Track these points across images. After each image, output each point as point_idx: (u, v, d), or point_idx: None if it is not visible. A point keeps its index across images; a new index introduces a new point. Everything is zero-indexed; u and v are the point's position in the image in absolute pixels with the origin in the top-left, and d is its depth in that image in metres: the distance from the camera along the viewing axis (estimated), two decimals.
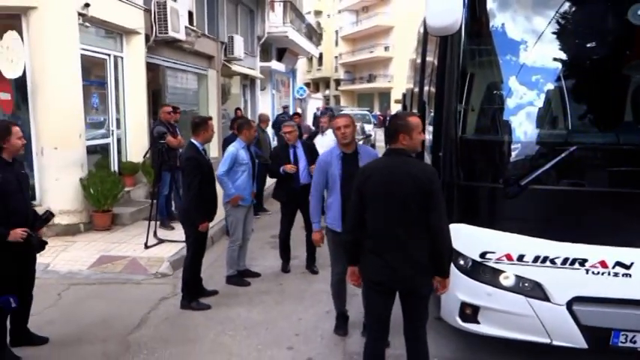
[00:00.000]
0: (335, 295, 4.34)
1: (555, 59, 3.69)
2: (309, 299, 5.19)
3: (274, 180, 6.38)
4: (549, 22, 3.60)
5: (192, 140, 4.99)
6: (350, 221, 3.18)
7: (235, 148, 5.45)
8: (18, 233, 3.60)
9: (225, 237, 7.28)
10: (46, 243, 4.00)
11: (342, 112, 9.06)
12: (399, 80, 38.38)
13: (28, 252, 3.85)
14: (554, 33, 3.64)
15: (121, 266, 5.95)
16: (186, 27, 10.53)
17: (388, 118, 3.65)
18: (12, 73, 6.18)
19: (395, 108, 30.00)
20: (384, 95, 46.16)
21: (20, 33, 6.77)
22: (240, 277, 5.64)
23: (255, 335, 4.36)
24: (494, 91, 3.78)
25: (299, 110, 19.17)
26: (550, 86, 3.67)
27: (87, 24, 7.37)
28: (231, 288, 5.47)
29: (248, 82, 17.85)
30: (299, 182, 5.90)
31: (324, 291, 5.28)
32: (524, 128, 3.68)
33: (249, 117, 14.87)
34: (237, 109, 10.84)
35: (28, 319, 4.18)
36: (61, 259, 6.04)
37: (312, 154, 5.97)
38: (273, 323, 4.61)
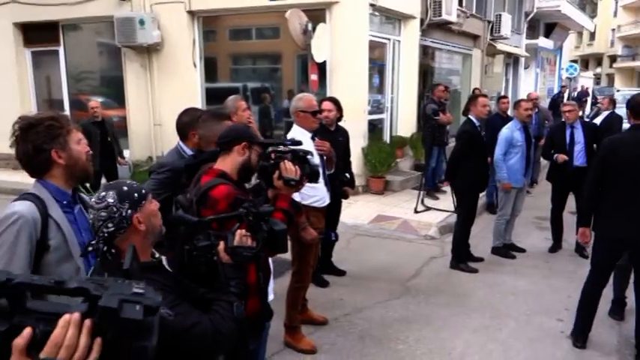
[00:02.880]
0: (616, 277, 4.28)
1: None
2: (579, 280, 5.08)
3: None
4: None
5: (469, 115, 5.44)
6: (592, 188, 3.70)
7: (510, 129, 5.65)
8: None
9: (485, 212, 7.64)
10: (346, 197, 5.02)
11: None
12: None
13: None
14: None
15: (395, 225, 6.83)
16: (457, 9, 10.88)
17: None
18: (320, 58, 7.55)
19: None
20: None
21: (324, 23, 8.14)
22: (506, 249, 5.89)
23: (524, 302, 4.63)
24: None
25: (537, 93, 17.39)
26: None
27: (375, 13, 8.39)
28: (496, 258, 5.79)
29: (511, 60, 17.29)
30: (572, 165, 5.76)
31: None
32: None
33: (510, 97, 14.47)
34: (476, 88, 10.69)
35: (332, 254, 5.30)
36: (347, 213, 7.17)
37: (593, 135, 5.76)
38: (541, 295, 4.79)
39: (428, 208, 7.39)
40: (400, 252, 6.03)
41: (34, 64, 10.70)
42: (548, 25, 20.16)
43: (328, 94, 8.35)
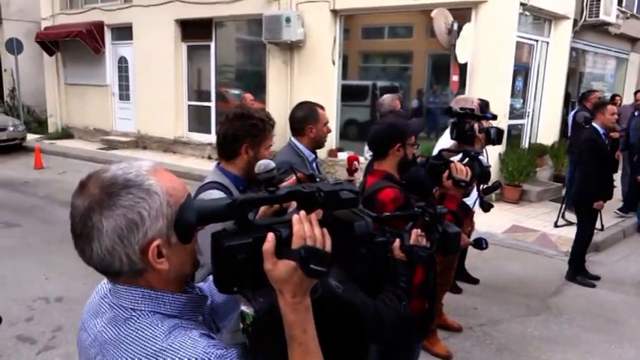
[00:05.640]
0: None
1: None
2: None
3: None
4: None
5: (593, 123, 5.17)
6: None
7: None
8: None
9: (636, 233, 6.97)
10: (492, 206, 4.81)
11: None
12: None
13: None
14: None
15: (532, 238, 6.47)
16: (616, 8, 9.93)
17: None
18: (463, 59, 7.36)
19: None
20: None
21: (468, 22, 7.90)
22: None
23: None
24: None
25: None
26: None
27: (526, 13, 7.96)
28: None
29: None
30: None
31: None
32: None
33: None
34: (616, 95, 9.33)
35: (465, 260, 5.17)
36: (479, 220, 6.90)
37: None
38: None
39: (570, 223, 6.86)
40: (537, 266, 5.71)
41: (188, 58, 11.76)
42: None
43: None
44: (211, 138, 11.22)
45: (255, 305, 1.02)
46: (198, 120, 11.83)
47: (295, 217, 0.97)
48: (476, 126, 2.70)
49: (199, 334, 0.94)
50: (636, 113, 7.44)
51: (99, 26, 12.72)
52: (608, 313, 4.56)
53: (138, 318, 0.95)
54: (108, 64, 13.07)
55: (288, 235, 0.97)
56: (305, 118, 2.99)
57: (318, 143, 3.09)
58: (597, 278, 5.28)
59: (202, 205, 0.98)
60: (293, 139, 3.04)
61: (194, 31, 11.38)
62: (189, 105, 11.86)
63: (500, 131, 3.09)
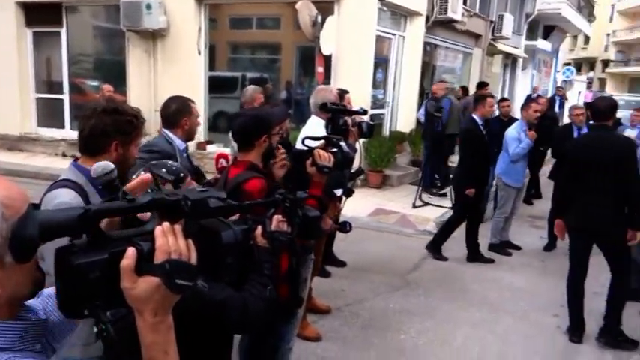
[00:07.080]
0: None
1: None
2: None
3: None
4: None
5: (472, 114, 5.59)
6: (567, 183, 4.03)
7: (517, 130, 5.80)
8: None
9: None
10: (353, 192, 5.07)
11: None
12: None
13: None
14: None
15: (393, 219, 6.95)
16: (462, 7, 10.96)
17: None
18: (327, 51, 7.62)
19: None
20: None
21: (332, 15, 8.19)
22: (502, 246, 6.04)
23: (520, 298, 4.78)
24: None
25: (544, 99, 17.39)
26: None
27: (384, 8, 8.46)
28: (492, 255, 5.91)
29: (509, 61, 17.45)
30: None
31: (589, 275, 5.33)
32: None
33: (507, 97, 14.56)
34: (485, 84, 10.57)
35: (333, 244, 5.40)
36: (345, 205, 7.31)
37: None
38: (537, 292, 4.94)
39: (426, 204, 7.52)
40: (399, 246, 6.16)
41: (34, 45, 10.62)
42: (547, 28, 20.33)
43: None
44: (65, 133, 10.31)
45: (107, 317, 0.91)
46: (49, 114, 10.77)
47: (158, 230, 0.90)
48: (349, 121, 2.84)
49: None
50: None
51: None
52: (457, 283, 5.08)
53: None
54: None
55: (150, 249, 0.89)
56: (179, 110, 3.02)
57: (190, 135, 3.16)
58: (492, 261, 5.70)
59: (48, 217, 0.85)
60: (165, 130, 3.03)
61: (41, 15, 10.29)
62: (37, 97, 10.74)
63: (371, 125, 3.37)
